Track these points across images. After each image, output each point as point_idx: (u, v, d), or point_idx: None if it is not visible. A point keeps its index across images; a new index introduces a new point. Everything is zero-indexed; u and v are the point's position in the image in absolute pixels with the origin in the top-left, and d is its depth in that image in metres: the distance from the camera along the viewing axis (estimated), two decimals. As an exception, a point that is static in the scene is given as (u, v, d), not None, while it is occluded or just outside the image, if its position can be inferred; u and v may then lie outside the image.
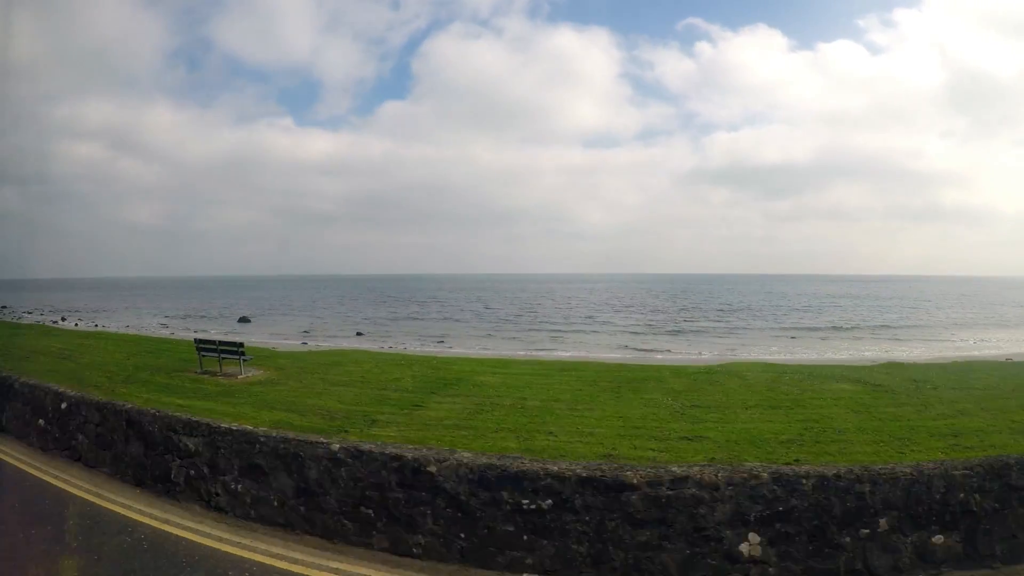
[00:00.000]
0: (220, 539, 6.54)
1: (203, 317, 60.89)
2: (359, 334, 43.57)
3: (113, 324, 50.91)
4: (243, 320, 56.10)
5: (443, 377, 13.09)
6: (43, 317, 61.19)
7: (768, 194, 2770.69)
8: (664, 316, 62.69)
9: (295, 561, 6.11)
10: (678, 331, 48.03)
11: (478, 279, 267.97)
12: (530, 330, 48.55)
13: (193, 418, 8.02)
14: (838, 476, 5.80)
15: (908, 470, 5.88)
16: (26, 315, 63.96)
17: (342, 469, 6.76)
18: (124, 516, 7.07)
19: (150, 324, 51.34)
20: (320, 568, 6.02)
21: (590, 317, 61.24)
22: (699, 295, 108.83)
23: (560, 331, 47.42)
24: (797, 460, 7.05)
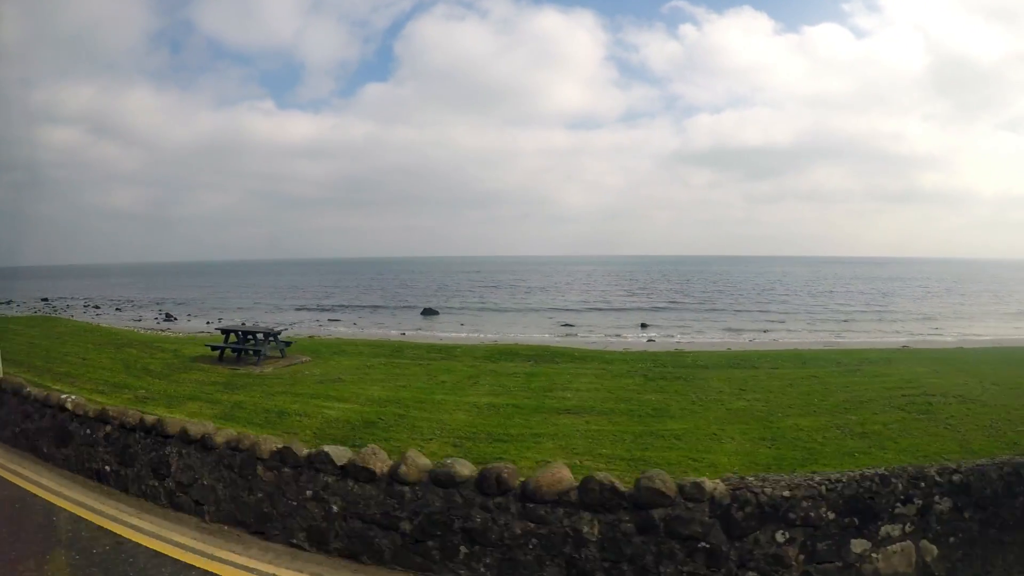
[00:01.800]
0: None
1: (359, 308, 47.23)
2: (644, 325, 32.57)
3: (225, 320, 37.70)
4: (428, 312, 43.13)
5: None
6: (112, 314, 46.70)
7: (749, 176, 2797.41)
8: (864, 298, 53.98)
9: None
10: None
11: (478, 261, 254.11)
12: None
13: None
14: None
15: None
16: (72, 309, 49.15)
17: None
18: None
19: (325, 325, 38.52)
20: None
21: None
22: (762, 280, 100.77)
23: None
24: None
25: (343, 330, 33.47)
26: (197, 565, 4.55)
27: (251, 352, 12.71)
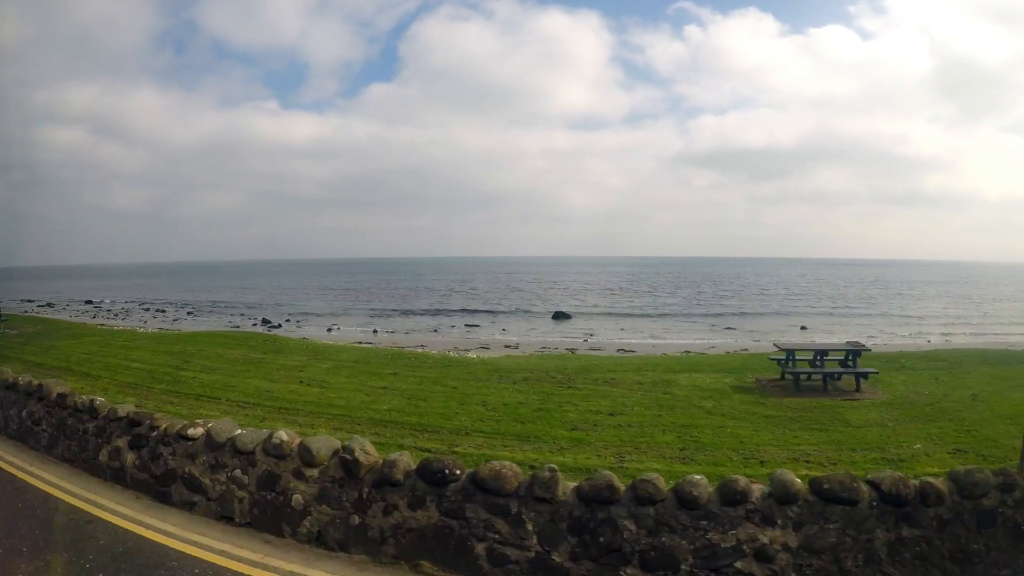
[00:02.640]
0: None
1: (473, 313, 41.03)
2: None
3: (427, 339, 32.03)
4: (560, 316, 37.90)
5: None
6: (188, 319, 40.23)
7: (752, 177, 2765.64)
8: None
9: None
10: None
11: (482, 262, 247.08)
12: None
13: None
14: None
15: None
16: (132, 314, 42.52)
17: None
18: None
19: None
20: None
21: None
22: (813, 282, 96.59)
23: None
24: None
25: (514, 339, 27.93)
26: None
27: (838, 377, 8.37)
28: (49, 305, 51.27)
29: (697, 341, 27.95)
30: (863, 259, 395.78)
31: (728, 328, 36.08)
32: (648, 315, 42.52)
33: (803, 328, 35.57)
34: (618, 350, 22.15)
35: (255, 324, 35.78)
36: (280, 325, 35.07)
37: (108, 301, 56.34)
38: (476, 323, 35.21)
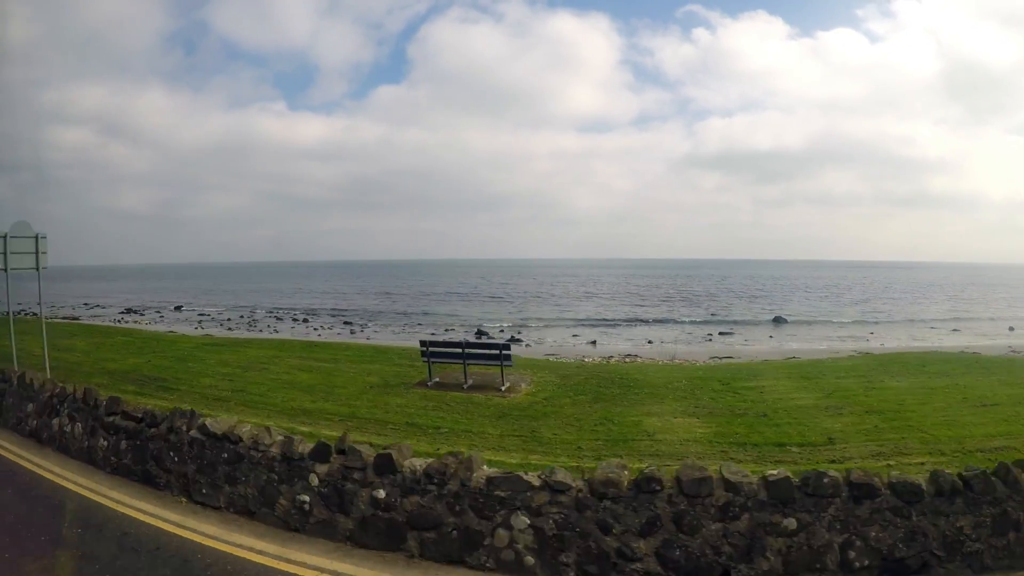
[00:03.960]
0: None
1: (672, 324, 35.28)
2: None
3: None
4: (779, 320, 36.31)
5: None
6: (360, 333, 33.47)
7: (759, 179, 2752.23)
8: None
9: None
10: None
11: (503, 264, 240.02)
12: None
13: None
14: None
15: None
16: (256, 322, 35.46)
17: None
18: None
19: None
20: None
21: None
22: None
23: None
24: None
25: (796, 347, 23.02)
26: None
27: None
28: (131, 312, 43.61)
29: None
30: (867, 261, 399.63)
31: (955, 331, 32.02)
32: (845, 322, 37.23)
33: (1010, 329, 31.46)
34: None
35: (471, 334, 29.36)
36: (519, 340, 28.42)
37: (213, 309, 47.60)
38: (730, 331, 30.50)
